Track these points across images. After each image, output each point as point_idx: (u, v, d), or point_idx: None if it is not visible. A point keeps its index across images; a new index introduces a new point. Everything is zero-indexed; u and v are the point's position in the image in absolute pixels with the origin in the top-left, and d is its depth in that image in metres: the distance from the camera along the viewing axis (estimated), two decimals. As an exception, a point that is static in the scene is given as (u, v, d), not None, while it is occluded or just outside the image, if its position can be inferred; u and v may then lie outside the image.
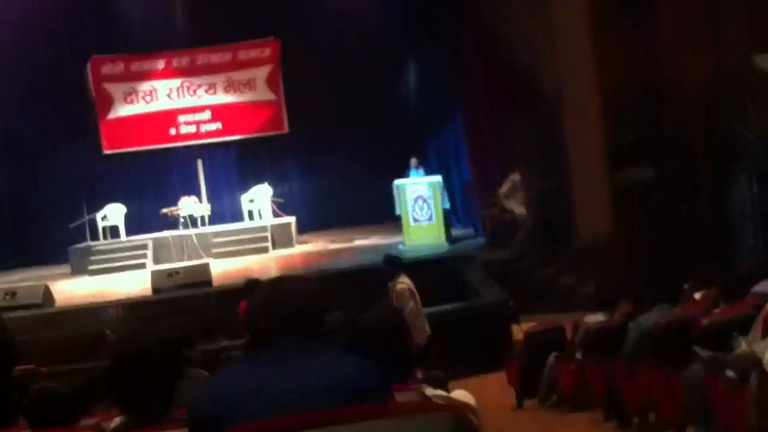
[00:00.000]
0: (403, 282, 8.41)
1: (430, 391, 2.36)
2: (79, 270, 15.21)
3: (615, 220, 12.58)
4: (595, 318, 7.70)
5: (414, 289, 8.38)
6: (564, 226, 12.49)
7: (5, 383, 1.19)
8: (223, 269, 13.57)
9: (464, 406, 2.35)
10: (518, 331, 9.99)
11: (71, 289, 13.78)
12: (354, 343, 2.21)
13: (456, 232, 15.28)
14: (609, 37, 11.98)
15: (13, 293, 11.75)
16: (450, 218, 14.95)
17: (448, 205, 14.50)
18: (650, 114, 11.85)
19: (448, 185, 15.01)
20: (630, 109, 12.48)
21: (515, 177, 12.86)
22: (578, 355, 7.30)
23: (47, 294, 11.99)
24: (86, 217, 15.86)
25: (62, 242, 16.26)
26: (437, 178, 14.31)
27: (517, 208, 12.90)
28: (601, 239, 12.12)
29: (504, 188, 12.90)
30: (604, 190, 12.74)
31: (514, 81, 13.45)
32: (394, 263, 8.80)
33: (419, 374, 2.65)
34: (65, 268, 15.59)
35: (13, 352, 1.22)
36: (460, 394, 2.48)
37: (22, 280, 14.71)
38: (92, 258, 15.34)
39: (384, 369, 1.92)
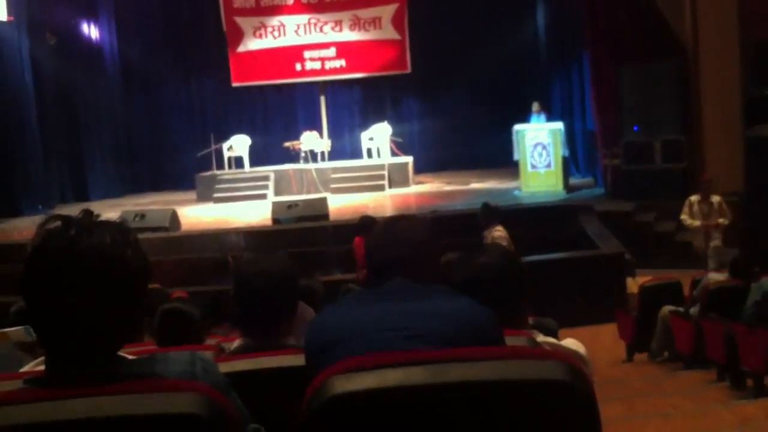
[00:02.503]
0: (500, 230, 8.32)
1: (541, 338, 2.37)
2: (204, 197, 15.85)
3: (745, 178, 12.08)
4: (716, 276, 7.49)
5: (510, 241, 8.28)
6: (690, 180, 12.05)
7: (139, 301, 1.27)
8: (339, 204, 13.82)
9: (575, 355, 2.36)
10: (633, 285, 9.81)
11: (196, 214, 14.36)
12: (467, 285, 2.23)
13: (575, 181, 15.00)
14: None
15: (142, 215, 12.35)
16: (569, 166, 14.67)
17: (567, 153, 14.21)
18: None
19: (570, 133, 14.68)
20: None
21: (693, 199, 10.32)
22: (695, 313, 7.12)
23: (174, 218, 12.54)
24: (213, 147, 16.41)
25: (190, 170, 16.94)
26: (558, 125, 14.01)
27: (695, 239, 10.35)
28: (730, 197, 11.67)
29: (683, 213, 10.31)
30: (736, 146, 12.21)
31: (649, 28, 12.92)
32: (491, 213, 8.69)
33: (531, 321, 2.66)
34: (191, 195, 16.25)
35: (149, 271, 1.30)
36: (570, 343, 2.48)
37: (151, 203, 15.43)
38: (217, 186, 15.93)
39: (496, 312, 1.94)
